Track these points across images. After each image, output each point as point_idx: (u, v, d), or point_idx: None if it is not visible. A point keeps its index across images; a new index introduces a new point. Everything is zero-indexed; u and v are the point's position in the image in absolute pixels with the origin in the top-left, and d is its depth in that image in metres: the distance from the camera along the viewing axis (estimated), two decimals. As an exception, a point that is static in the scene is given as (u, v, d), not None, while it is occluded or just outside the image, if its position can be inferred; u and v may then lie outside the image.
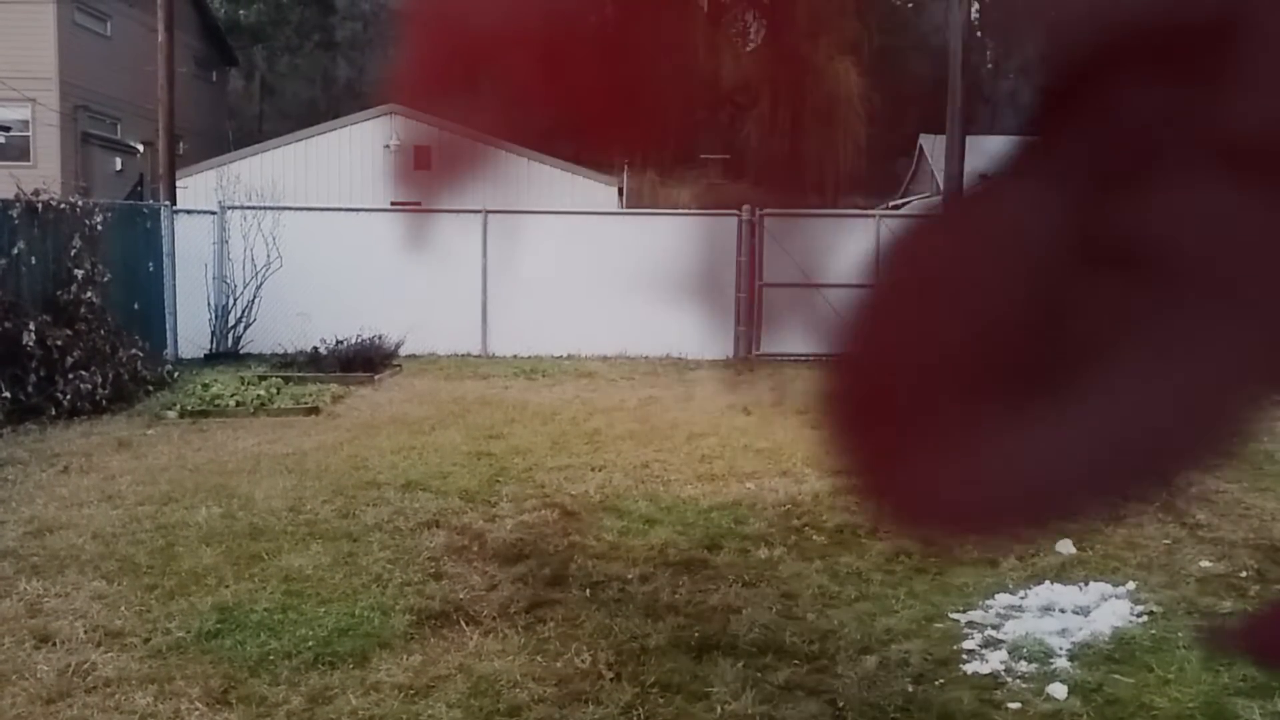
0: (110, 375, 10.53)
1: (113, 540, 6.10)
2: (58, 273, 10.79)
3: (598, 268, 14.86)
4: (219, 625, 4.90)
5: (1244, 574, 5.70)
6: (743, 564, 5.90)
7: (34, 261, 10.48)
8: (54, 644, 4.66)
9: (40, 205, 10.76)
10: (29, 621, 4.92)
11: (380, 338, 13.23)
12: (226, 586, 5.41)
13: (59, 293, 10.69)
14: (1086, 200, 0.76)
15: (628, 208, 19.47)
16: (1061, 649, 4.76)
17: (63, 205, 11.13)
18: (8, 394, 9.53)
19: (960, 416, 0.80)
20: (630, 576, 5.64)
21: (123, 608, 5.10)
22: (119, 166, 25.68)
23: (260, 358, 14.01)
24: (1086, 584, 5.54)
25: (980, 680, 4.48)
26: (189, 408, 10.22)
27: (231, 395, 10.73)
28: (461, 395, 10.55)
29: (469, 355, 15.19)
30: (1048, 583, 5.57)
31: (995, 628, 5.02)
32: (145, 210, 15.05)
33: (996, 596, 5.39)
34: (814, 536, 6.40)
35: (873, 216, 15.35)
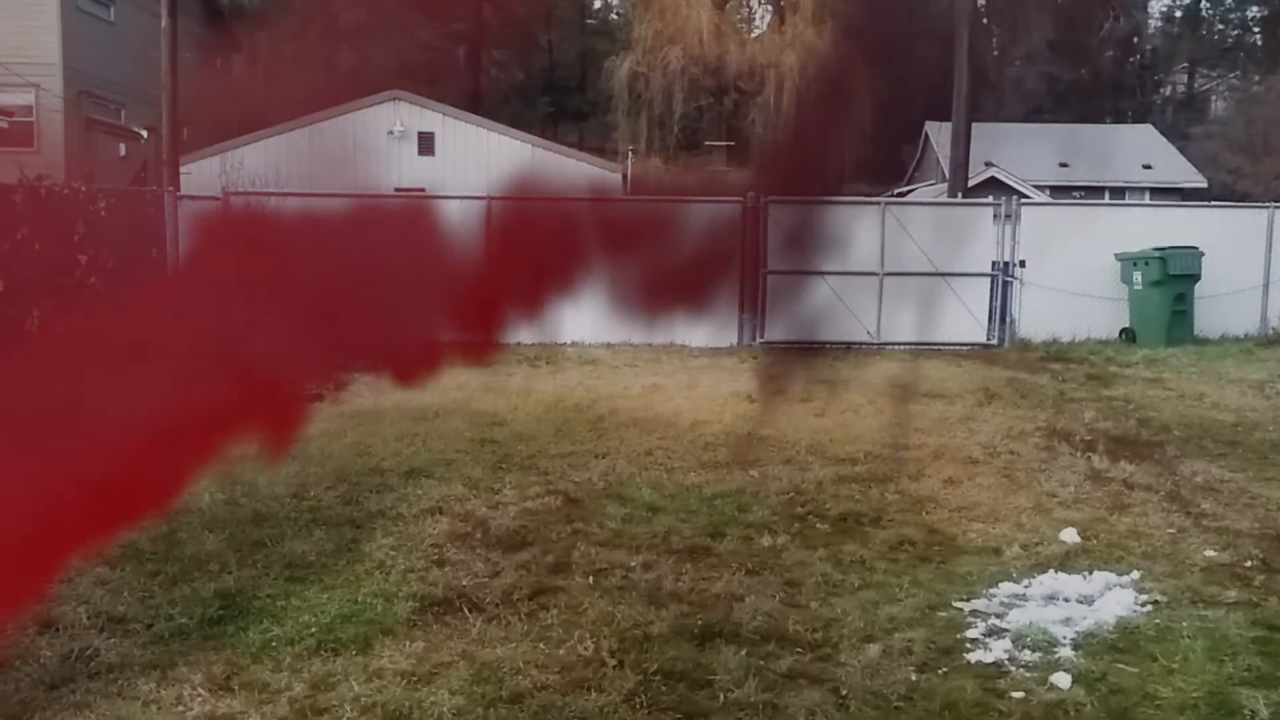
0: (114, 361, 10.54)
1: (116, 526, 6.10)
2: (61, 258, 10.80)
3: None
4: (222, 611, 4.91)
5: (1249, 563, 5.68)
6: (746, 552, 5.89)
7: (37, 247, 10.48)
8: (57, 630, 4.67)
9: (44, 191, 10.76)
10: (32, 607, 4.92)
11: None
12: (229, 573, 5.41)
13: (62, 278, 10.70)
14: None
15: (632, 194, 19.42)
16: (1065, 638, 4.75)
17: (66, 191, 11.13)
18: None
19: None
20: (633, 564, 5.64)
21: (125, 594, 5.11)
22: (123, 152, 25.63)
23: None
24: (1091, 573, 5.53)
25: (984, 669, 4.47)
26: (193, 394, 10.21)
27: (235, 381, 10.72)
28: (465, 382, 10.52)
29: (472, 342, 15.15)
30: (1052, 572, 5.56)
31: (999, 617, 5.01)
32: (149, 196, 15.04)
33: (1000, 585, 5.39)
34: (817, 524, 6.39)
35: (878, 204, 15.34)
